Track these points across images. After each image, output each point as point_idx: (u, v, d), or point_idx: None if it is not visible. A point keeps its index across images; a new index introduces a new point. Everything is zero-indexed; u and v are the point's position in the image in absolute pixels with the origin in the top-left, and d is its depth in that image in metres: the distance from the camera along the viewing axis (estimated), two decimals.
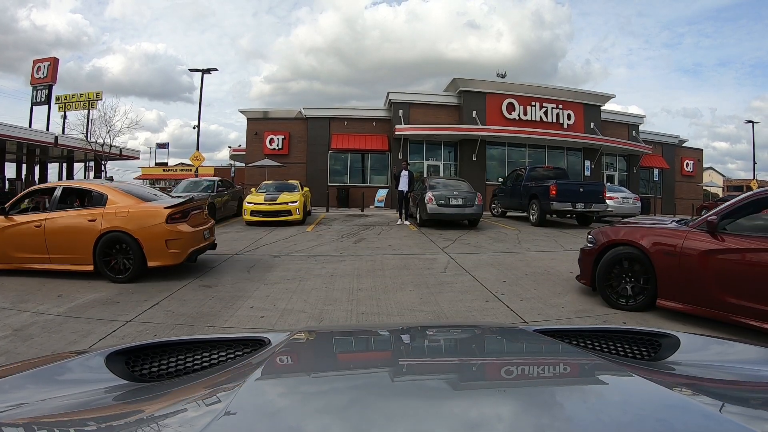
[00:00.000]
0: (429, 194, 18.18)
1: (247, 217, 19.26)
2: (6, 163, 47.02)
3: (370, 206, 30.37)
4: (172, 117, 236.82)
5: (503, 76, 36.82)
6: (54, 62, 47.78)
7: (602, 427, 1.05)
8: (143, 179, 74.07)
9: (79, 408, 1.29)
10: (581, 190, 19.78)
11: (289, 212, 19.22)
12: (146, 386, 1.49)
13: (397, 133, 32.15)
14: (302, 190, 21.88)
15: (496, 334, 2.17)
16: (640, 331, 1.99)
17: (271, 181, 23.26)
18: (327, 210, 27.31)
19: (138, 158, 59.23)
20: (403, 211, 20.57)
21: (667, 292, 6.73)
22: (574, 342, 1.90)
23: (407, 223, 20.01)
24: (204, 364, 1.74)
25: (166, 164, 79.19)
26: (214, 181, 21.91)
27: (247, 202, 19.60)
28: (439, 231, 17.28)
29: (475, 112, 32.97)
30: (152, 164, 79.94)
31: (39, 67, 47.26)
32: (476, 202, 18.43)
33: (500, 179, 26.77)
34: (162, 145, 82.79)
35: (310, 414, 1.11)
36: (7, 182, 45.17)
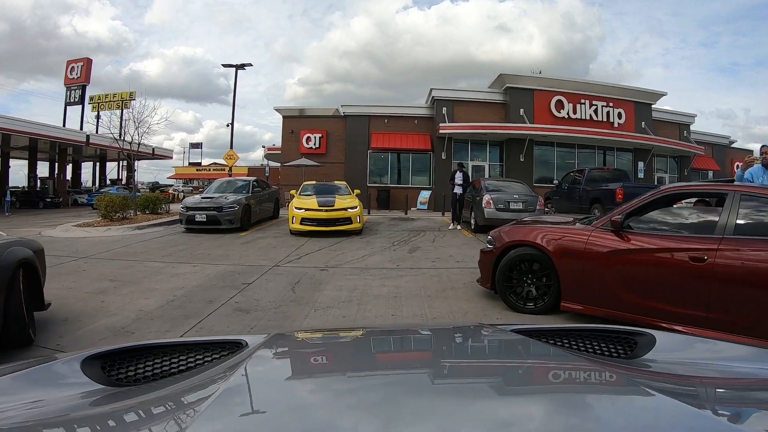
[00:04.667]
0: (487, 197, 16.46)
1: (295, 225, 16.00)
2: (39, 162, 48.30)
3: (411, 208, 28.53)
4: (207, 118, 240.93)
5: (539, 74, 34.68)
6: (87, 63, 49.41)
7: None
8: (176, 178, 75.08)
9: (54, 414, 1.26)
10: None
11: (348, 220, 16.20)
12: (123, 391, 1.46)
13: (441, 131, 30.64)
14: (352, 192, 19.24)
15: (473, 334, 2.18)
16: (616, 330, 2.00)
17: (313, 182, 20.77)
18: (368, 212, 25.59)
19: (171, 157, 61.72)
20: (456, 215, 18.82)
21: (571, 295, 6.56)
22: (551, 341, 1.89)
23: (459, 228, 18.28)
24: (181, 368, 1.69)
25: (199, 164, 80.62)
26: (249, 180, 20.17)
27: (296, 208, 16.30)
28: None
29: (522, 110, 31.06)
30: (186, 164, 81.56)
31: (72, 67, 49.71)
32: (537, 206, 16.74)
33: (555, 181, 24.83)
34: (195, 145, 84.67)
35: (287, 415, 1.12)
36: (38, 181, 46.99)
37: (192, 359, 1.75)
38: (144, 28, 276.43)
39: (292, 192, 18.98)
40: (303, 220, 15.99)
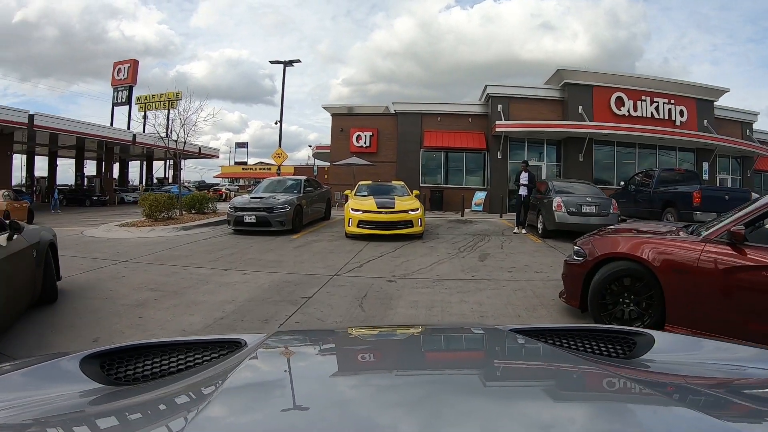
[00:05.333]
0: (558, 200, 15.03)
1: (352, 228, 14.77)
2: (86, 161, 50.06)
3: (465, 209, 27.21)
4: (253, 118, 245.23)
5: None
6: (134, 64, 51.13)
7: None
8: (222, 177, 76.28)
9: (53, 413, 1.26)
10: (727, 197, 16.19)
11: (409, 223, 14.87)
12: (121, 390, 1.46)
13: (497, 129, 28.97)
14: (411, 193, 17.83)
15: (471, 334, 2.22)
16: (615, 330, 2.00)
17: (369, 182, 19.47)
18: None
19: (217, 156, 63.34)
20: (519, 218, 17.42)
21: (678, 317, 5.64)
22: (550, 341, 1.88)
23: (524, 232, 16.80)
24: (180, 367, 1.69)
25: (245, 163, 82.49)
26: (300, 180, 18.96)
27: (353, 210, 15.08)
28: (568, 243, 13.92)
29: (581, 107, 29.28)
30: (232, 163, 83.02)
31: (119, 69, 51.43)
32: (611, 210, 15.25)
33: (622, 182, 23.22)
34: (241, 144, 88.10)
35: (286, 414, 1.12)
36: (85, 179, 48.21)
37: (191, 358, 1.72)
38: (190, 31, 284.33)
39: (347, 192, 17.77)
40: (360, 223, 14.77)
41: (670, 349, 1.83)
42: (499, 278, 9.43)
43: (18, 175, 44.70)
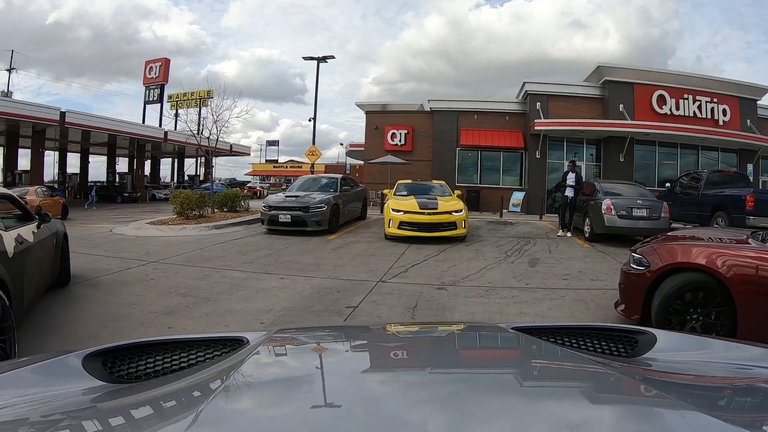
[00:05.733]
0: (607, 202, 14.13)
1: (392, 230, 14.05)
2: (119, 158, 51.14)
3: (502, 210, 26.40)
4: (283, 117, 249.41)
5: None
6: (165, 63, 51.91)
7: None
8: (253, 175, 78.62)
9: (56, 410, 1.25)
10: None
11: (453, 225, 14.03)
12: (124, 387, 1.46)
13: (536, 128, 28.03)
14: (453, 193, 16.93)
15: (476, 333, 2.17)
16: (616, 328, 1.98)
17: (408, 181, 18.50)
18: None
19: (249, 154, 64.44)
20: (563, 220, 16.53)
21: (751, 333, 4.94)
22: (552, 339, 1.88)
23: (569, 235, 15.90)
24: (183, 365, 1.68)
25: (276, 161, 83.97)
26: (337, 178, 18.23)
27: (393, 210, 14.28)
28: (619, 248, 13.18)
29: (621, 105, 28.14)
30: (263, 161, 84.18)
31: (151, 67, 51.90)
32: (662, 213, 14.34)
33: (667, 184, 22.17)
34: (272, 143, 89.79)
35: (288, 412, 1.11)
36: (117, 176, 49.23)
37: (194, 356, 1.72)
38: (221, 31, 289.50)
39: (386, 192, 17.02)
40: (401, 224, 14.01)
41: (672, 347, 1.82)
42: (554, 287, 8.71)
43: (50, 171, 45.42)
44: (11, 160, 36.45)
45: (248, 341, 1.77)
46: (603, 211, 14.08)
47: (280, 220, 14.93)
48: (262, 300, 7.35)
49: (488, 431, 0.99)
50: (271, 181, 77.80)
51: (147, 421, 1.11)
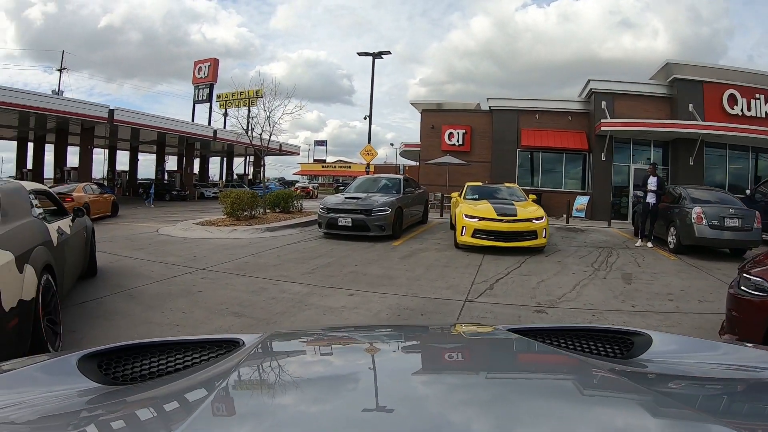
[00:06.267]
0: (698, 210, 12.59)
1: (465, 238, 12.50)
2: (168, 156, 52.33)
3: (563, 215, 24.98)
4: (331, 118, 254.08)
5: None
6: (214, 63, 53.10)
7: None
8: (301, 174, 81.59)
9: (51, 412, 1.25)
10: None
11: (533, 234, 12.48)
12: (119, 389, 1.43)
13: (602, 128, 26.13)
14: (527, 197, 15.51)
15: (471, 334, 2.17)
16: (612, 330, 1.97)
17: (478, 183, 17.01)
18: None
19: (298, 154, 66.12)
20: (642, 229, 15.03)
21: None
22: (548, 341, 1.86)
23: (650, 245, 14.28)
24: (178, 366, 1.66)
25: (324, 161, 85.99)
26: (398, 179, 16.81)
27: (467, 216, 12.70)
28: (709, 262, 11.79)
29: (691, 105, 26.32)
30: (310, 161, 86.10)
31: (200, 67, 52.99)
32: (755, 224, 12.74)
33: (747, 191, 20.44)
34: (320, 143, 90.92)
35: (283, 414, 1.11)
36: (166, 174, 49.81)
37: (189, 358, 1.70)
38: (269, 33, 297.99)
39: (454, 195, 15.66)
40: (476, 232, 12.50)
41: (667, 349, 1.80)
42: (663, 309, 7.53)
43: (98, 169, 46.71)
44: (60, 157, 36.69)
45: (244, 343, 1.73)
46: (693, 221, 12.57)
47: (339, 224, 13.76)
48: (333, 323, 6.26)
49: None
50: (319, 181, 78.63)
51: (142, 422, 1.09)
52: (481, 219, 12.52)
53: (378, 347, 1.83)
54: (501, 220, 12.45)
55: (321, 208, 14.55)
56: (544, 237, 12.62)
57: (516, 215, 12.62)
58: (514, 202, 13.78)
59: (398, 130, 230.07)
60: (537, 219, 12.64)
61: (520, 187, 16.67)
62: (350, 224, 13.59)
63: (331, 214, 13.93)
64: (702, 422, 1.01)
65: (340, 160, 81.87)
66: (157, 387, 1.36)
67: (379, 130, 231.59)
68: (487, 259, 11.25)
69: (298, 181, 70.01)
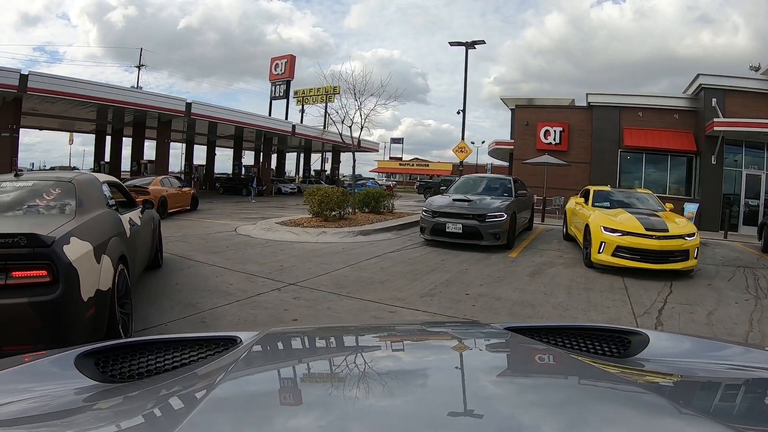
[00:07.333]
0: None
1: (604, 256, 10.07)
2: (245, 152, 53.88)
3: None
4: (405, 116, 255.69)
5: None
6: (291, 59, 53.87)
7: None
8: (378, 172, 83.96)
9: (47, 410, 1.25)
10: None
11: (685, 255, 9.85)
12: (116, 387, 1.45)
13: (715, 128, 23.48)
14: (664, 206, 12.72)
15: (466, 332, 2.14)
16: (609, 329, 1.95)
17: (607, 188, 14.10)
18: None
19: (377, 150, 67.01)
20: None
21: None
22: (545, 340, 1.85)
23: None
24: (175, 364, 1.67)
25: (400, 159, 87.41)
26: (508, 180, 14.79)
27: (605, 230, 10.22)
28: None
29: None
30: (387, 158, 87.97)
31: (277, 64, 54.06)
32: None
33: None
34: (396, 140, 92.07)
35: (281, 412, 1.11)
36: (243, 168, 51.08)
37: (186, 355, 1.71)
38: (342, 32, 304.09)
39: (574, 199, 13.71)
40: (618, 250, 9.96)
41: (664, 348, 1.79)
42: None
43: (176, 162, 47.86)
44: (137, 150, 37.04)
45: (241, 341, 1.73)
46: None
47: (447, 230, 11.92)
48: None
49: None
50: (396, 179, 79.41)
51: (138, 420, 1.09)
52: (625, 234, 10.10)
53: (376, 345, 1.81)
54: (650, 236, 9.94)
55: (425, 212, 12.75)
56: (695, 258, 10.08)
57: (668, 231, 10.09)
58: (662, 215, 11.20)
59: (473, 129, 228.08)
60: (689, 236, 10.11)
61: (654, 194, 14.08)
62: (460, 231, 11.78)
63: (438, 218, 12.15)
64: (698, 421, 1.01)
65: (417, 158, 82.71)
66: (154, 384, 1.36)
67: (453, 129, 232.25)
68: (628, 281, 9.25)
69: (372, 178, 70.05)
